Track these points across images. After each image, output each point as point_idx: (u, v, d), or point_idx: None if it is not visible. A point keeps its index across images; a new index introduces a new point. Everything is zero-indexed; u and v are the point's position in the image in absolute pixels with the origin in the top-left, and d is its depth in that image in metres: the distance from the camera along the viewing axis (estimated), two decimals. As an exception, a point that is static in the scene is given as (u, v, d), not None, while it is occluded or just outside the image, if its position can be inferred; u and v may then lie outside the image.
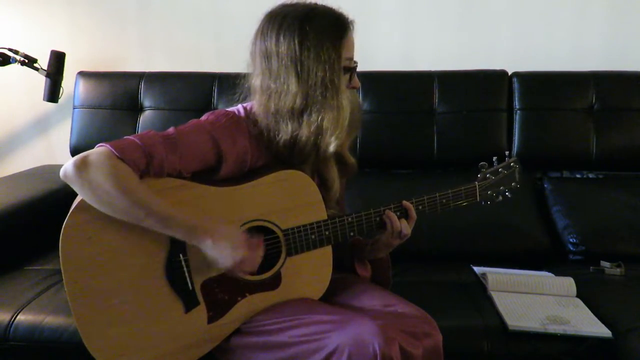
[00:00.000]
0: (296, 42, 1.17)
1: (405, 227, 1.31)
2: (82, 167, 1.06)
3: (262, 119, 1.23)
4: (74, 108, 2.24)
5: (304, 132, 1.20)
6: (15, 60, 2.16)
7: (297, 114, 1.20)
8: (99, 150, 1.09)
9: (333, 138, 1.21)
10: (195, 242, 1.14)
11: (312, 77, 1.18)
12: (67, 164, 1.08)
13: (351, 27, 1.24)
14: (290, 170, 1.24)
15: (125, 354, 1.17)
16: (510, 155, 1.48)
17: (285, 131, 1.21)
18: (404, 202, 1.33)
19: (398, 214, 1.32)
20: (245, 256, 1.15)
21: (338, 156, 1.32)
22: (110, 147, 1.09)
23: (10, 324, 1.46)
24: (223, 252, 1.14)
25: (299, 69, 1.17)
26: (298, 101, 1.18)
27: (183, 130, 1.18)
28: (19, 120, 2.53)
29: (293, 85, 1.18)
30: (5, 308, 1.51)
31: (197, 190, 1.18)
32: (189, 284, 1.19)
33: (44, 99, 2.26)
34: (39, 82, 2.26)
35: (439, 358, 1.21)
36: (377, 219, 1.31)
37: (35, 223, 1.89)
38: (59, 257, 1.11)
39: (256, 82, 1.23)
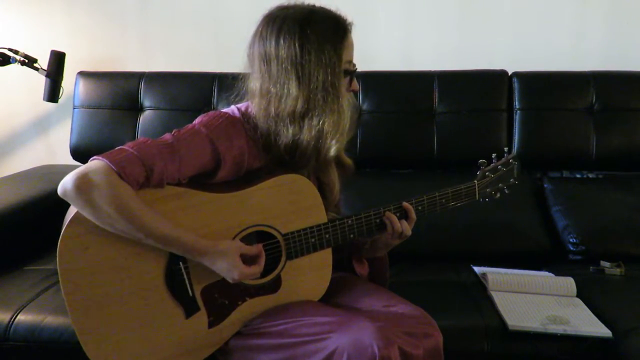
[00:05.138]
0: (297, 45, 1.16)
1: (406, 228, 1.31)
2: (82, 188, 1.04)
3: (262, 123, 1.22)
4: (74, 108, 2.24)
5: (305, 136, 1.19)
6: (15, 60, 2.15)
7: (298, 118, 1.19)
8: (98, 167, 1.06)
9: (334, 142, 1.20)
10: (194, 259, 1.16)
11: (313, 81, 1.17)
12: (66, 181, 1.05)
13: (350, 30, 1.24)
14: (290, 175, 1.24)
15: None
16: (509, 152, 1.48)
17: (286, 135, 1.20)
18: (404, 203, 1.32)
19: (398, 214, 1.31)
20: (242, 273, 1.15)
21: (335, 158, 1.32)
22: (109, 163, 1.06)
23: (10, 324, 1.46)
24: (221, 271, 1.16)
25: (299, 73, 1.17)
26: (299, 105, 1.17)
27: (180, 137, 1.16)
28: (19, 120, 2.53)
29: (294, 89, 1.17)
30: (5, 308, 1.50)
31: (196, 198, 1.17)
32: (189, 291, 1.19)
33: (44, 99, 2.25)
34: (39, 82, 2.26)
35: (439, 359, 1.21)
36: (377, 220, 1.31)
37: (35, 223, 1.89)
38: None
39: (255, 85, 1.22)
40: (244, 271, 1.16)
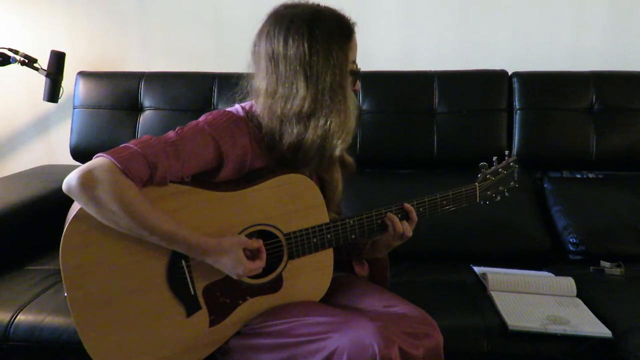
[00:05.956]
0: (305, 45, 1.16)
1: (407, 229, 1.31)
2: (87, 185, 1.05)
3: (266, 122, 1.22)
4: (74, 108, 2.24)
5: (310, 136, 1.19)
6: (15, 60, 2.15)
7: (304, 118, 1.19)
8: (103, 164, 1.07)
9: (340, 142, 1.21)
10: (198, 258, 1.16)
11: (321, 81, 1.17)
12: (71, 178, 1.06)
13: (354, 30, 1.24)
14: (292, 174, 1.24)
15: (127, 359, 1.17)
16: (510, 155, 1.49)
17: (291, 134, 1.20)
18: (405, 204, 1.32)
19: (399, 215, 1.32)
20: (246, 268, 1.16)
21: (338, 157, 1.32)
22: (113, 160, 1.07)
23: (10, 324, 1.46)
24: (225, 267, 1.16)
25: (307, 73, 1.16)
26: (306, 105, 1.17)
27: (184, 135, 1.16)
28: (19, 120, 2.53)
29: (302, 89, 1.17)
30: (5, 308, 1.51)
31: (199, 196, 1.18)
32: (191, 289, 1.19)
33: (44, 99, 2.25)
34: (39, 82, 2.26)
35: (439, 359, 1.21)
36: (379, 221, 1.31)
37: (35, 223, 1.89)
38: (59, 260, 1.11)
39: (261, 84, 1.22)
40: (248, 266, 1.16)
